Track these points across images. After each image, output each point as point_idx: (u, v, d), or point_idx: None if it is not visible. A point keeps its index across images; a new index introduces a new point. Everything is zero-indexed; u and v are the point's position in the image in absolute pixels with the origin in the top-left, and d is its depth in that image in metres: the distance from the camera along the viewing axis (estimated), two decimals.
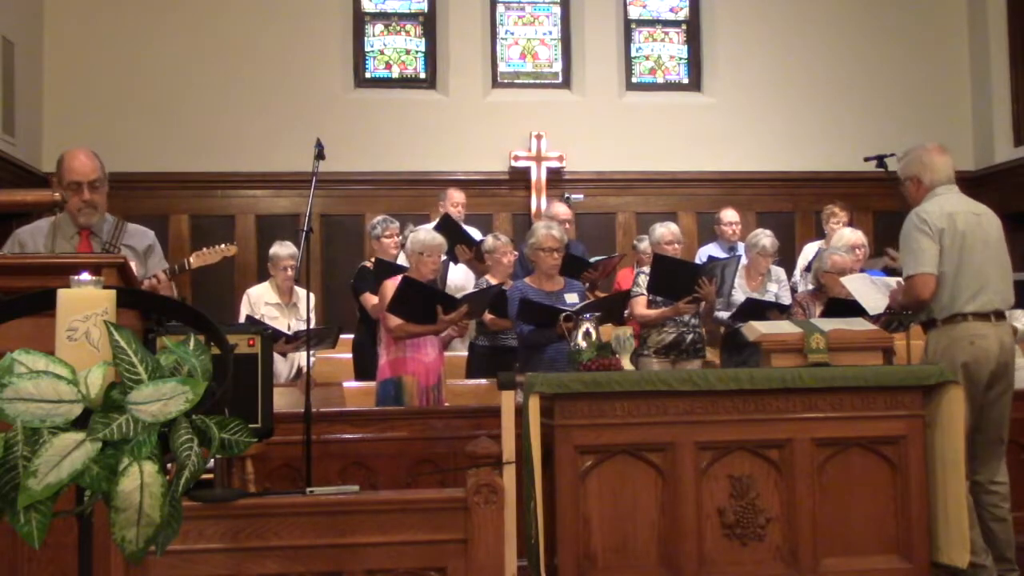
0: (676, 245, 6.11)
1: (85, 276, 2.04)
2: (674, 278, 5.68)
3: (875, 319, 4.67)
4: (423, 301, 5.27)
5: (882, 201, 8.56)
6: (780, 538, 3.96)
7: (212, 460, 2.96)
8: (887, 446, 4.05)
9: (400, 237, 6.53)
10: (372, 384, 6.02)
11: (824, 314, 5.40)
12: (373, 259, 6.51)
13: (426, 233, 5.74)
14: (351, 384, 6.06)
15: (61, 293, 2.00)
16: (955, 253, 4.21)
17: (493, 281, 5.95)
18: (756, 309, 5.62)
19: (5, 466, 1.84)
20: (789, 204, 9.46)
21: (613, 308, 5.54)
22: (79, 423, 1.89)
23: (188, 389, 1.94)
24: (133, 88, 8.79)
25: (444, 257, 5.97)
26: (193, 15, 8.96)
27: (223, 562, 2.88)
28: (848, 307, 5.03)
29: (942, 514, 4.02)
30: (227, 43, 8.96)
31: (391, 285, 5.39)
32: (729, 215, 7.51)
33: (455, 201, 7.25)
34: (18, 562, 2.66)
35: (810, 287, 6.29)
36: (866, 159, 5.90)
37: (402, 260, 6.28)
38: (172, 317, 2.37)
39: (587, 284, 6.35)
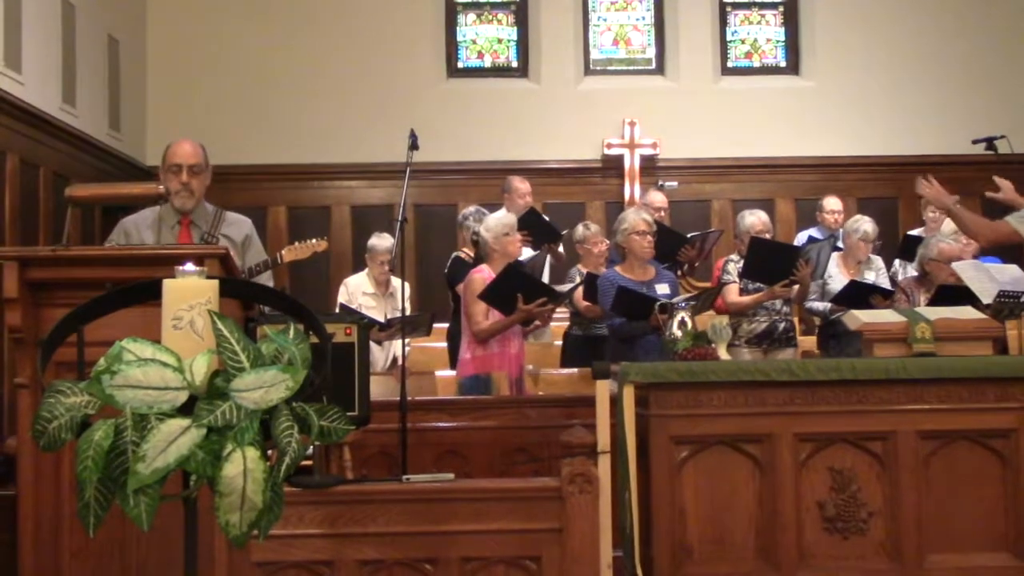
0: (766, 235, 5.97)
1: (189, 267, 2.08)
2: (770, 262, 5.54)
3: (985, 307, 4.48)
4: (522, 289, 5.07)
5: (991, 185, 8.22)
6: (883, 533, 3.85)
7: (311, 447, 3.01)
8: (997, 439, 3.90)
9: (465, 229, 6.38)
10: None
11: (932, 302, 5.21)
12: (466, 250, 6.47)
13: (496, 217, 5.45)
14: (443, 373, 6.09)
15: (167, 283, 2.05)
16: None
17: (584, 270, 5.89)
18: (859, 293, 5.46)
19: (115, 451, 1.90)
20: (892, 189, 9.16)
21: (708, 300, 5.43)
22: (185, 409, 1.94)
23: (288, 377, 1.97)
24: (232, 83, 9.00)
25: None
26: (289, 10, 9.11)
27: (322, 547, 2.94)
28: (958, 294, 4.83)
29: None
30: (321, 36, 9.08)
31: (478, 278, 5.16)
32: (832, 203, 7.26)
33: (522, 192, 6.85)
34: (128, 544, 2.75)
35: (913, 274, 6.09)
36: (974, 141, 5.70)
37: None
38: (272, 306, 2.41)
39: (684, 264, 6.21)
